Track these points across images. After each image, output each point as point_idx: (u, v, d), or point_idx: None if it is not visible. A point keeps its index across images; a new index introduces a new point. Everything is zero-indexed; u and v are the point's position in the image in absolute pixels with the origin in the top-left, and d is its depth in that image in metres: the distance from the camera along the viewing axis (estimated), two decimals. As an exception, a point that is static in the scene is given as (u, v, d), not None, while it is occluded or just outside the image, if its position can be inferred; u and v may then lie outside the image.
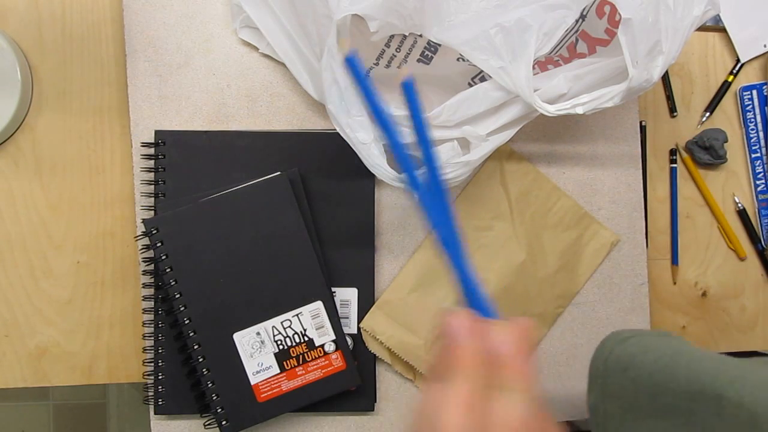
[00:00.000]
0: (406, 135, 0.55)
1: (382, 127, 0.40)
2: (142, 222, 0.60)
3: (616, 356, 0.47)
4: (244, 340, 0.60)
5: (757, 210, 0.72)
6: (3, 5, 0.63)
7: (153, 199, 0.62)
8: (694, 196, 0.72)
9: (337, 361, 0.61)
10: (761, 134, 0.72)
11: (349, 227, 0.63)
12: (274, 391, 0.60)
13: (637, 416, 0.44)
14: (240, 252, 0.60)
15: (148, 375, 0.62)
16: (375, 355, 0.64)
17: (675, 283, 0.71)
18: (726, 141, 0.70)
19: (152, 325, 0.62)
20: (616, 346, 0.47)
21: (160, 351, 0.62)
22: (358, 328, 0.63)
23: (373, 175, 0.53)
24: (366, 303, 0.63)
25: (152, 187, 0.62)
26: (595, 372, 0.48)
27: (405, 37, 0.58)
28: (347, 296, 0.63)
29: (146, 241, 0.60)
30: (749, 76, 0.72)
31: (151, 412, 0.62)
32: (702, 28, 0.71)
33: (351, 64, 0.41)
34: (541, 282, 0.65)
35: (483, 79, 0.59)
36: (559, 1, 0.51)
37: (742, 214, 0.72)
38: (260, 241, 0.60)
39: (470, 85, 0.59)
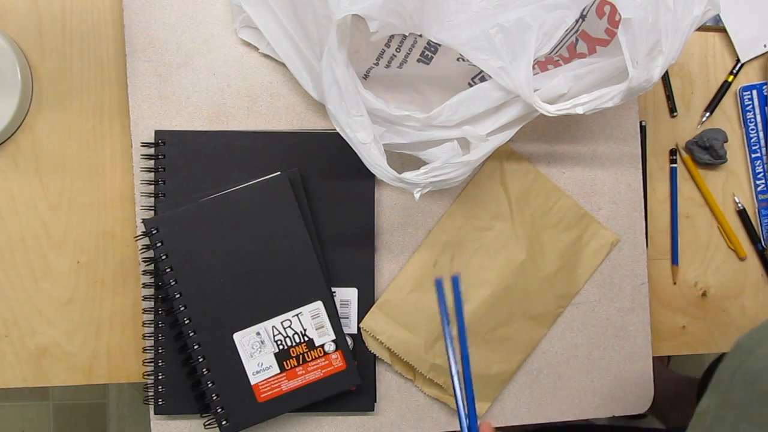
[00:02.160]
0: (408, 135, 0.55)
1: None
2: (142, 222, 0.60)
3: (745, 369, 0.46)
4: (244, 340, 0.60)
5: (757, 210, 0.72)
6: (3, 5, 0.63)
7: (153, 199, 0.62)
8: (694, 196, 0.72)
9: (337, 361, 0.61)
10: (761, 134, 0.72)
11: (349, 227, 0.63)
12: (274, 391, 0.60)
13: (753, 425, 0.44)
14: (240, 252, 0.60)
15: (148, 375, 0.62)
16: (375, 355, 0.64)
17: (675, 283, 0.71)
18: (726, 141, 0.70)
19: (152, 325, 0.62)
20: (746, 358, 0.46)
21: (160, 351, 0.62)
22: (358, 328, 0.63)
23: (373, 175, 0.53)
24: (366, 303, 0.63)
25: (152, 187, 0.62)
26: (720, 379, 0.47)
27: (405, 37, 0.58)
28: (347, 296, 0.63)
29: (146, 241, 0.60)
30: (749, 76, 0.72)
31: (151, 412, 0.62)
32: (702, 28, 0.71)
33: (438, 286, 0.53)
34: (541, 282, 0.65)
35: (483, 79, 0.59)
36: (559, 1, 0.51)
37: (742, 214, 0.72)
38: (260, 241, 0.60)
39: (470, 85, 0.59)
